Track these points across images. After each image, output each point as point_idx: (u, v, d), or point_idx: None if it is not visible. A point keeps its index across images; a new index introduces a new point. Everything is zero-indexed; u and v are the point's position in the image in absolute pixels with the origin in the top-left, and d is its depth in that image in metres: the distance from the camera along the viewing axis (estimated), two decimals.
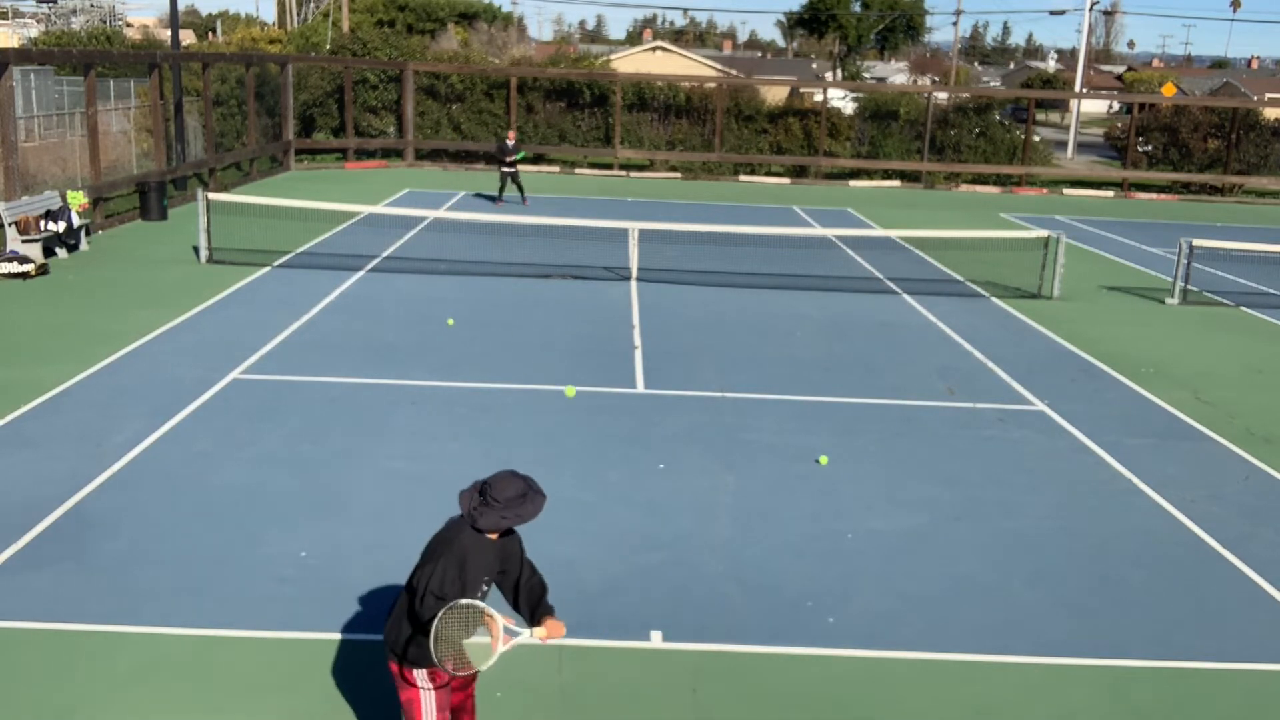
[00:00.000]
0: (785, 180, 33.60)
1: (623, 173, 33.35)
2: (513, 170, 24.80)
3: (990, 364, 12.95)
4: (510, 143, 24.79)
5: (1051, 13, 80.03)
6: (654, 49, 57.34)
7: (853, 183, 33.61)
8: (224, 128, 27.14)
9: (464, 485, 8.53)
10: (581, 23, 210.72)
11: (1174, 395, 12.00)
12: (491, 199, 25.56)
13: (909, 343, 13.86)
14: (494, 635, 4.39)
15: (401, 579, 7.01)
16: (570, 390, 10.74)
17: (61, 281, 15.20)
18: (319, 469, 8.76)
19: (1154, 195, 34.53)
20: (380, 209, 20.42)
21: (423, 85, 33.04)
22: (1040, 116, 63.88)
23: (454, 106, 33.42)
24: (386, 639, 4.66)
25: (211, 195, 17.11)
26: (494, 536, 4.58)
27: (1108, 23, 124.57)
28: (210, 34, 74.12)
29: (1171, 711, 6.02)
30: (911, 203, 29.51)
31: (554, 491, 8.51)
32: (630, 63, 52.06)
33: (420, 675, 4.58)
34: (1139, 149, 35.69)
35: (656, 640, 6.44)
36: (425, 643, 4.36)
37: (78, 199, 17.65)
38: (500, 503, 4.46)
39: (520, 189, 24.96)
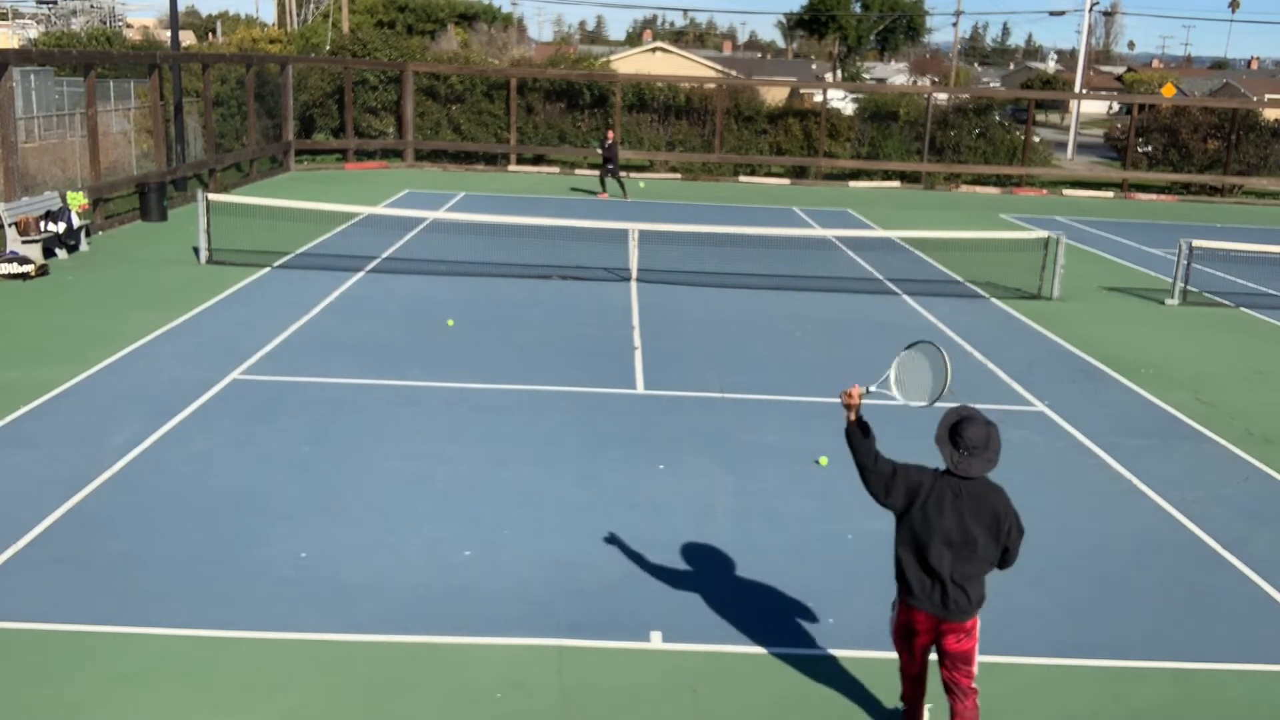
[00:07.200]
0: (785, 181, 33.60)
1: (623, 173, 33.29)
2: (611, 168, 27.41)
3: (990, 364, 12.95)
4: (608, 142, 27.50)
5: (1051, 13, 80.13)
6: (654, 50, 57.36)
7: (852, 183, 33.62)
8: (224, 128, 27.15)
9: (463, 486, 8.57)
10: (581, 23, 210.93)
11: (1174, 396, 12.00)
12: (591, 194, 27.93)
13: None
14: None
15: (401, 578, 7.02)
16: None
17: (61, 282, 15.20)
18: (319, 469, 8.76)
19: (1154, 196, 34.53)
20: (380, 210, 20.42)
21: (422, 86, 33.05)
22: (1040, 117, 63.88)
23: (454, 107, 33.42)
24: (976, 605, 5.07)
25: (211, 196, 17.12)
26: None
27: (1107, 23, 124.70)
28: (210, 35, 74.13)
29: (1171, 711, 6.02)
30: (911, 203, 29.51)
31: (554, 492, 8.55)
32: (630, 63, 52.09)
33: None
34: (1139, 150, 35.69)
35: (656, 640, 6.44)
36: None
37: (78, 200, 17.66)
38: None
39: (621, 186, 27.48)
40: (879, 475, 5.12)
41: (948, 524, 4.93)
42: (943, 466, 5.08)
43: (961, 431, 4.97)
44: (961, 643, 5.09)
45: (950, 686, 5.25)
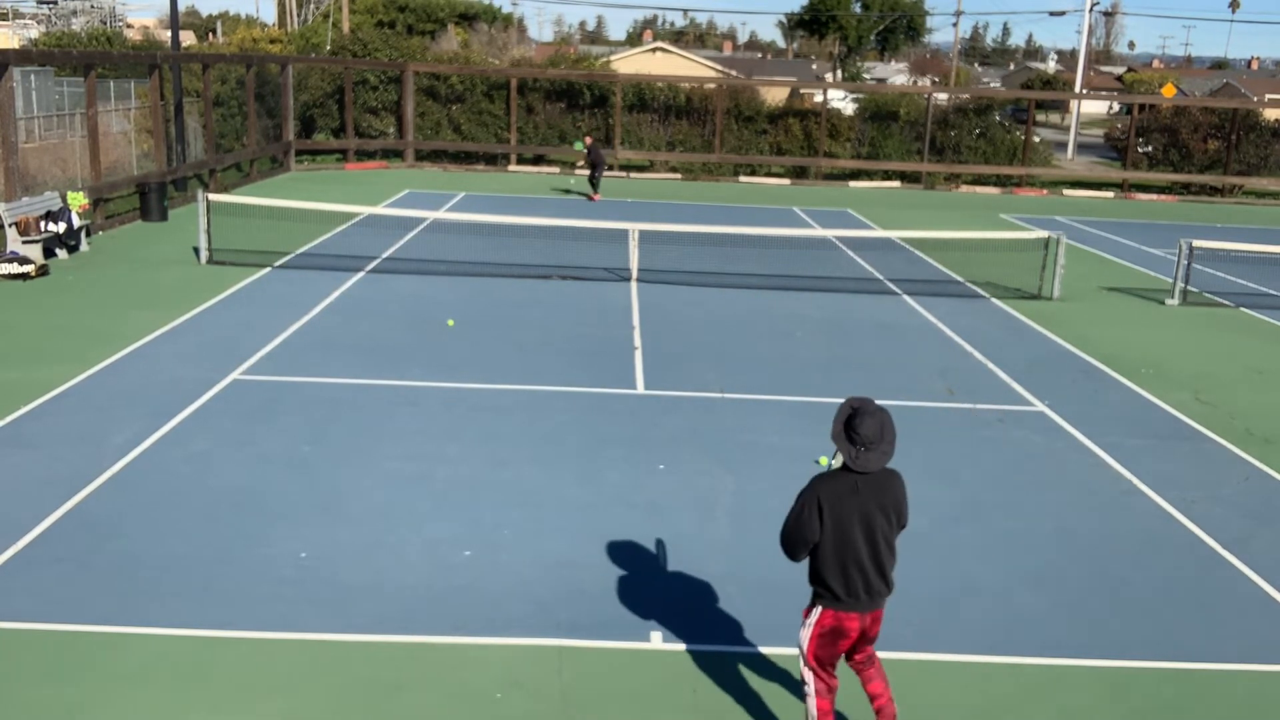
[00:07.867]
0: (785, 181, 33.60)
1: (623, 173, 33.35)
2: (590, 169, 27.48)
3: (990, 364, 12.95)
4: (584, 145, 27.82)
5: (1051, 14, 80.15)
6: (654, 50, 57.40)
7: (853, 183, 33.62)
8: (224, 128, 27.15)
9: (463, 486, 8.56)
10: (582, 23, 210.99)
11: (1174, 396, 12.00)
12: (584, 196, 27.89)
13: (909, 343, 13.86)
14: None
15: (401, 578, 7.02)
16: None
17: (61, 282, 15.20)
18: (319, 469, 8.76)
19: (1154, 196, 34.53)
20: (380, 210, 20.42)
21: (423, 86, 33.04)
22: (1040, 117, 63.89)
23: (454, 107, 33.42)
24: (891, 586, 5.12)
25: (212, 196, 17.11)
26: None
27: (1108, 24, 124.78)
28: (210, 35, 74.17)
29: (1171, 711, 6.02)
30: (911, 203, 29.52)
31: (554, 492, 8.55)
32: (630, 63, 52.11)
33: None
34: (1139, 150, 35.68)
35: (656, 640, 6.44)
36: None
37: (78, 200, 17.66)
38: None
39: (592, 185, 27.40)
40: (804, 529, 4.97)
41: (856, 521, 4.89)
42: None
43: (856, 427, 4.83)
44: (879, 622, 5.17)
45: (864, 663, 5.32)
